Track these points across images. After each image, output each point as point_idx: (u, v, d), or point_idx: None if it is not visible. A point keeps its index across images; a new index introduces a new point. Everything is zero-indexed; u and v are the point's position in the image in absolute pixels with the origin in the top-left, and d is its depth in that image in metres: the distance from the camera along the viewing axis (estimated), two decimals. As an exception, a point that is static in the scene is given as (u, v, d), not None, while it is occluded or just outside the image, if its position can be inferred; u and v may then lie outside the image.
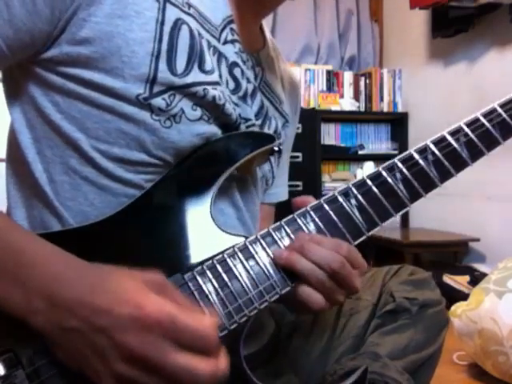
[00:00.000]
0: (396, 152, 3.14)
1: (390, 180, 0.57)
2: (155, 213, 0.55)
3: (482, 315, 1.49)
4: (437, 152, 0.59)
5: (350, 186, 0.57)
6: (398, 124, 3.19)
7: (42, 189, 0.57)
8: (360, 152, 3.10)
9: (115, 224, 0.54)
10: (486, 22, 2.52)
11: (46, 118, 0.56)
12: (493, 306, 1.48)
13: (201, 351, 0.43)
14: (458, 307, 1.57)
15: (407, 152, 0.59)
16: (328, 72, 3.16)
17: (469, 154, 0.59)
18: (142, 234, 0.54)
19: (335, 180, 3.05)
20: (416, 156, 0.58)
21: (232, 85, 0.63)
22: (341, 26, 3.32)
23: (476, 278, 2.09)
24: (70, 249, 0.48)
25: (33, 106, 0.57)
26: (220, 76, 0.61)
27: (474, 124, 0.60)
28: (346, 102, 3.12)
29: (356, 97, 3.19)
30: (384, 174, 0.58)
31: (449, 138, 0.59)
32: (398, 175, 0.58)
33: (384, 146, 3.21)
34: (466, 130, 0.59)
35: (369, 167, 3.06)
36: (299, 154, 2.80)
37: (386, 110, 3.18)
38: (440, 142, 0.59)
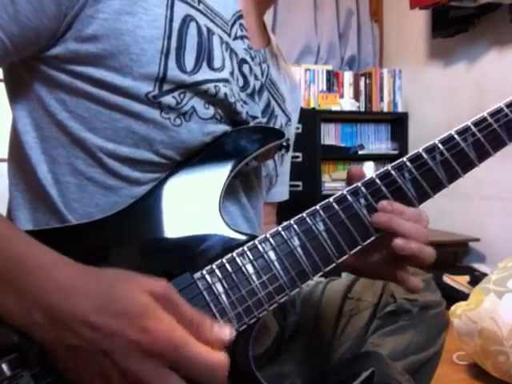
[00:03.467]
0: (396, 152, 3.14)
1: (398, 180, 0.57)
2: (162, 210, 0.54)
3: (482, 315, 1.50)
4: (445, 152, 0.58)
5: (359, 185, 0.57)
6: (397, 124, 3.18)
7: (47, 191, 0.56)
8: (360, 152, 3.10)
9: (121, 221, 0.53)
10: (486, 22, 2.52)
11: (53, 117, 0.55)
12: (493, 306, 1.48)
13: (207, 382, 0.42)
14: (458, 307, 1.57)
15: (415, 151, 0.58)
16: (328, 72, 3.16)
17: (476, 154, 0.59)
18: (149, 231, 0.53)
19: (335, 180, 3.05)
20: (425, 155, 0.58)
21: (241, 82, 0.62)
22: (341, 26, 3.32)
23: (476, 278, 2.09)
24: (73, 246, 0.46)
25: (38, 105, 0.55)
26: (232, 72, 0.60)
27: (481, 124, 0.59)
28: (346, 102, 3.11)
29: (356, 97, 3.19)
30: (393, 173, 0.57)
31: (456, 137, 0.58)
32: (407, 175, 0.57)
33: (384, 145, 3.21)
34: (474, 129, 0.59)
35: (369, 167, 3.05)
36: (299, 154, 2.79)
37: (386, 109, 3.18)
38: (448, 142, 0.58)
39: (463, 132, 0.59)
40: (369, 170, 3.04)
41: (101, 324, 0.41)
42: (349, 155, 3.13)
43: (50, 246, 0.45)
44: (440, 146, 0.58)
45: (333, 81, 3.16)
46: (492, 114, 0.60)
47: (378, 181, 0.57)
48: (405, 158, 0.58)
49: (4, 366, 0.43)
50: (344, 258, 0.54)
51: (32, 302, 0.42)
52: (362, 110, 3.18)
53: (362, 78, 3.20)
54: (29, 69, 0.55)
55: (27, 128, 0.56)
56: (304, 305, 0.83)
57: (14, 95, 0.58)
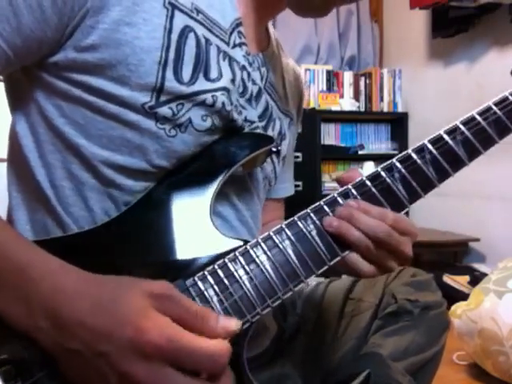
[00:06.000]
0: (396, 152, 3.14)
1: (388, 180, 0.57)
2: (153, 217, 0.54)
3: (482, 315, 1.50)
4: (434, 151, 0.58)
5: (350, 186, 0.57)
6: (397, 124, 3.18)
7: (45, 193, 0.56)
8: (360, 152, 3.10)
9: (114, 229, 0.54)
10: (486, 21, 2.52)
11: (49, 122, 0.55)
12: (493, 306, 1.49)
13: (208, 371, 0.42)
14: (458, 307, 1.58)
15: (405, 152, 0.58)
16: (328, 72, 3.16)
17: (465, 153, 0.59)
18: (141, 239, 0.53)
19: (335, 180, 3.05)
20: (414, 156, 0.58)
21: (241, 88, 0.62)
22: (341, 26, 3.32)
23: (476, 278, 2.10)
24: (69, 254, 0.46)
25: (36, 110, 0.56)
26: (233, 80, 0.60)
27: (470, 123, 0.59)
28: (346, 102, 3.11)
29: (356, 97, 3.19)
30: (383, 174, 0.57)
31: (446, 137, 0.59)
32: (397, 175, 0.57)
33: (384, 145, 3.21)
34: (463, 128, 0.59)
35: (369, 167, 3.05)
36: (299, 154, 2.80)
37: (386, 110, 3.18)
38: (437, 142, 0.59)
39: (452, 131, 0.59)
40: (369, 170, 3.04)
41: (96, 326, 0.41)
42: (349, 155, 3.13)
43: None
44: (429, 145, 0.58)
45: (333, 81, 3.16)
46: (481, 113, 0.60)
47: (368, 182, 0.57)
48: (394, 159, 0.58)
49: None
50: (336, 260, 0.54)
51: (37, 308, 0.43)
52: (362, 110, 3.18)
53: (362, 78, 3.20)
54: (28, 74, 0.56)
55: (25, 131, 0.57)
56: (305, 305, 0.83)
57: (13, 98, 0.59)
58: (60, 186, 0.56)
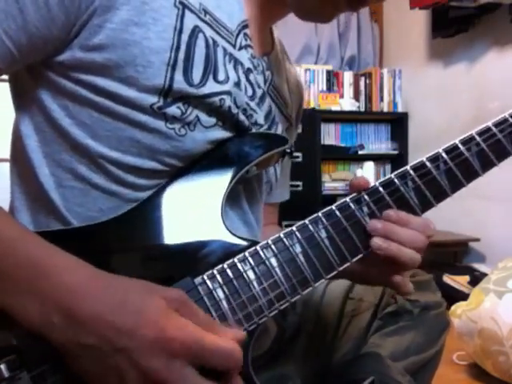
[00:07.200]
0: (396, 152, 3.15)
1: (401, 188, 0.57)
2: (164, 214, 0.54)
3: (482, 315, 1.50)
4: (449, 161, 0.57)
5: (363, 193, 0.56)
6: (397, 124, 3.18)
7: (48, 194, 0.55)
8: (360, 152, 3.10)
9: (122, 225, 0.53)
10: (486, 21, 2.52)
11: (54, 122, 0.54)
12: (493, 306, 1.49)
13: (226, 370, 0.43)
14: (458, 307, 1.58)
15: (419, 160, 0.58)
16: (328, 72, 3.16)
17: (480, 164, 0.58)
18: (150, 235, 0.53)
19: (335, 180, 3.06)
20: (428, 164, 0.57)
21: (250, 91, 0.62)
22: (341, 25, 3.32)
23: (476, 278, 2.10)
24: (74, 248, 0.46)
25: (41, 110, 0.55)
26: (238, 83, 0.59)
27: (485, 134, 0.59)
28: (346, 102, 3.12)
29: (356, 97, 3.19)
30: (396, 181, 0.57)
31: (461, 146, 0.58)
32: (410, 183, 0.57)
33: (384, 145, 3.21)
34: (478, 139, 0.58)
35: (369, 167, 3.05)
36: (299, 154, 2.80)
37: (386, 110, 3.18)
38: (452, 151, 0.58)
39: (467, 141, 0.58)
40: (369, 170, 3.05)
41: (116, 322, 0.41)
42: (349, 155, 3.13)
43: None
44: (444, 155, 0.58)
45: (333, 81, 3.16)
46: (497, 125, 0.59)
47: (381, 189, 0.56)
48: (408, 167, 0.57)
49: (2, 367, 0.43)
50: (346, 265, 0.54)
51: (49, 305, 0.42)
52: (362, 110, 3.19)
53: (362, 78, 3.20)
54: (34, 73, 0.55)
55: (29, 131, 0.56)
56: (305, 305, 0.83)
57: (18, 97, 0.58)
58: (66, 187, 0.55)
